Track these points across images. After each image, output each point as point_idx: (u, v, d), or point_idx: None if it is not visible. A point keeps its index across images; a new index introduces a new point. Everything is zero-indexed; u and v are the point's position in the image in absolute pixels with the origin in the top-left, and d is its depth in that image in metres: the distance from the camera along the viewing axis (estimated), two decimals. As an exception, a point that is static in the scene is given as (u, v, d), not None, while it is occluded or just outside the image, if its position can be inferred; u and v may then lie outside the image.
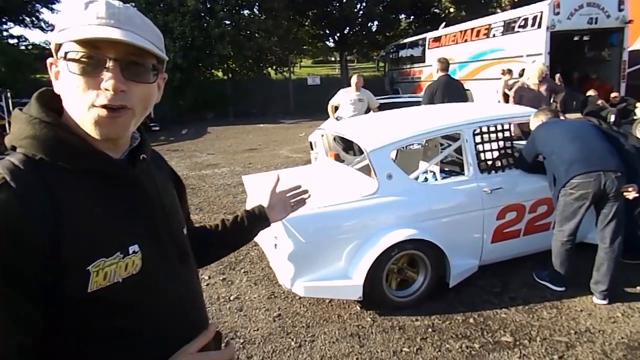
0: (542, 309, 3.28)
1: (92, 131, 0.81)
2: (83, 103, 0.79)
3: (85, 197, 0.80)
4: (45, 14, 24.19)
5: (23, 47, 22.33)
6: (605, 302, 3.28)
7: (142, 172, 0.92)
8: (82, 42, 0.77)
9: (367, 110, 7.23)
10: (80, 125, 0.82)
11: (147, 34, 0.84)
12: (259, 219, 1.45)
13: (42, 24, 24.17)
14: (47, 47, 23.07)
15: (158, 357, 0.84)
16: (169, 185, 1.06)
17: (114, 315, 0.80)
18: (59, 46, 0.82)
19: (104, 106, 0.79)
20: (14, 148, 0.82)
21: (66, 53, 0.78)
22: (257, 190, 4.06)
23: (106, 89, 0.78)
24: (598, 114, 9.32)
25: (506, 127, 3.87)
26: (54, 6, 24.12)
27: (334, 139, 5.87)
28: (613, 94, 10.39)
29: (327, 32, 28.48)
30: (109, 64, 0.78)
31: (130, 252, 0.82)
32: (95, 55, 0.78)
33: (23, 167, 0.76)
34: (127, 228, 0.85)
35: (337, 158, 5.35)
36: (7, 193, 0.72)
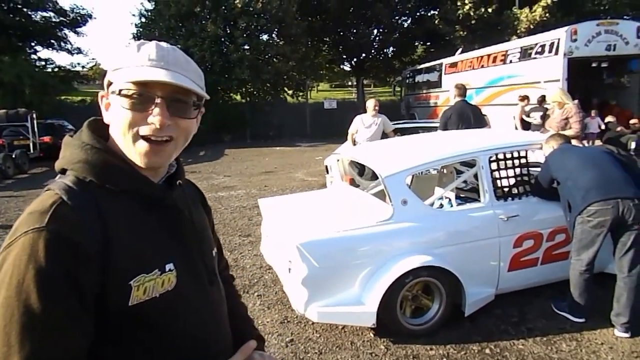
0: (561, 341, 3.19)
1: (138, 160, 0.90)
2: (131, 134, 0.88)
3: (128, 217, 0.88)
4: (71, 37, 24.87)
5: (49, 70, 23.09)
6: (627, 335, 3.18)
7: (178, 197, 1.00)
8: (135, 82, 0.86)
9: (383, 135, 7.26)
10: (126, 153, 0.91)
11: (190, 73, 0.92)
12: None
13: (69, 46, 24.98)
14: (73, 70, 23.89)
15: None
16: (200, 209, 1.15)
17: (149, 329, 0.86)
18: (111, 82, 0.91)
19: (148, 139, 0.88)
20: (63, 171, 0.90)
21: (120, 90, 0.87)
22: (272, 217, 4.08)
23: (153, 124, 0.87)
24: (618, 141, 9.20)
25: (522, 154, 3.85)
26: (79, 29, 24.91)
27: (350, 163, 5.90)
28: (633, 121, 10.25)
29: (344, 57, 28.89)
30: (157, 101, 0.87)
31: (167, 269, 0.89)
32: (145, 93, 0.87)
33: (75, 188, 0.84)
34: (164, 247, 0.92)
35: (353, 183, 5.36)
36: (65, 210, 0.80)
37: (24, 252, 0.75)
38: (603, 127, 9.74)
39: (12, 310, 0.73)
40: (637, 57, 10.79)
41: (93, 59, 44.50)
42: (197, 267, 0.98)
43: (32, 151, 13.65)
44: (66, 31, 24.60)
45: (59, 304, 0.75)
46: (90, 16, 24.73)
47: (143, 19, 21.44)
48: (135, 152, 0.89)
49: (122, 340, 0.84)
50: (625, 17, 19.89)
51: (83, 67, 25.88)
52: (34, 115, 13.92)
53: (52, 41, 24.25)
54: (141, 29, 21.20)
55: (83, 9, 24.51)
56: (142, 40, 0.93)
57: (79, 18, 24.37)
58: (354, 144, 7.18)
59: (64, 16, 23.98)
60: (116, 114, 0.89)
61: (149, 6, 21.30)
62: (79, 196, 0.83)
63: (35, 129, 13.91)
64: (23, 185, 10.69)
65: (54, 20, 23.89)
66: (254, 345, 1.03)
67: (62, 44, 24.67)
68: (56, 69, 23.49)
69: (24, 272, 0.74)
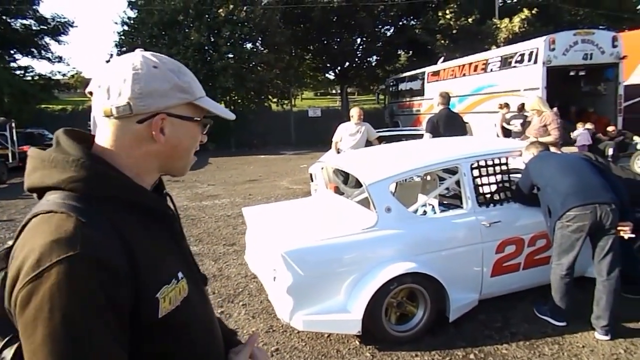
0: (543, 345, 3.24)
1: (186, 170, 1.01)
2: (193, 151, 1.00)
3: (138, 230, 0.85)
4: (52, 45, 24.58)
5: (29, 78, 22.74)
6: (607, 337, 3.24)
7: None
8: (203, 109, 0.96)
9: (367, 143, 7.30)
10: (174, 167, 0.98)
11: None
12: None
13: (50, 54, 24.65)
14: (54, 78, 23.56)
15: None
16: None
17: (172, 337, 0.86)
18: (161, 109, 0.90)
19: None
20: (46, 189, 0.83)
21: (193, 117, 0.94)
22: (256, 225, 4.07)
23: (202, 141, 1.01)
24: (595, 147, 9.42)
25: (503, 160, 3.92)
26: (60, 38, 24.63)
27: (334, 171, 5.92)
28: (610, 128, 10.53)
29: (328, 65, 29.07)
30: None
31: (180, 277, 0.89)
32: (206, 120, 0.98)
33: (82, 207, 0.78)
34: (171, 256, 0.92)
35: (337, 190, 5.38)
36: (91, 232, 0.75)
37: (63, 283, 0.69)
38: (590, 142, 9.79)
39: (62, 346, 0.69)
40: (613, 66, 11.10)
41: (74, 67, 43.89)
42: (194, 271, 1.00)
43: (10, 161, 13.40)
44: (47, 39, 24.32)
45: (114, 331, 0.74)
46: (71, 24, 24.50)
47: (126, 27, 21.33)
48: (189, 164, 1.01)
49: (145, 349, 0.82)
50: (600, 27, 20.45)
51: (64, 75, 25.61)
52: (13, 124, 13.69)
53: (33, 49, 23.93)
54: (124, 37, 21.09)
55: (64, 17, 24.29)
56: (177, 63, 0.95)
57: (60, 26, 24.10)
58: (338, 152, 7.20)
59: (45, 24, 23.71)
60: (183, 137, 0.94)
61: (132, 14, 21.22)
62: (93, 216, 0.78)
63: (15, 138, 13.67)
64: (1, 195, 10.45)
65: (34, 28, 23.60)
66: (257, 337, 1.09)
67: (43, 52, 24.38)
68: (36, 77, 23.18)
69: (69, 304, 0.69)
